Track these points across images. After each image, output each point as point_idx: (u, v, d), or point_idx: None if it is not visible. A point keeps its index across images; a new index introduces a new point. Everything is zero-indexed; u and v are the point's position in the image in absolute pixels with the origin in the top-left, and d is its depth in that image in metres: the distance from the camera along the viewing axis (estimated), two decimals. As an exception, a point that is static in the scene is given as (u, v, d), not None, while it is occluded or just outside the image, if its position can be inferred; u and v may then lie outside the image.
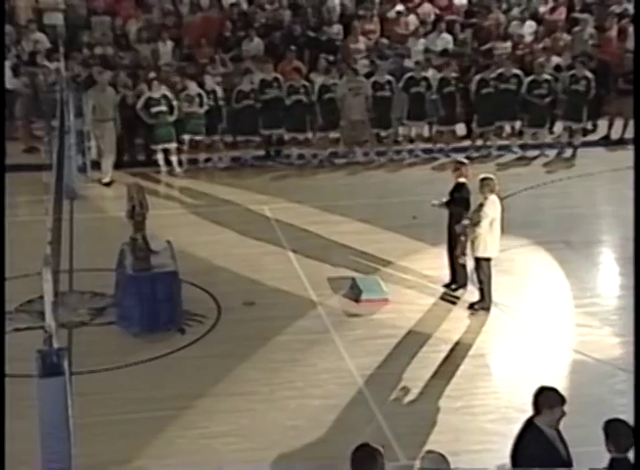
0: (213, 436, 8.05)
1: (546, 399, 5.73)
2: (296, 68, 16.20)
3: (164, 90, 15.02)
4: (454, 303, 10.63)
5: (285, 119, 15.62)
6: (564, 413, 5.73)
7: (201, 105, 15.06)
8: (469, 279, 10.80)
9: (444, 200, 10.68)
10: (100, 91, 14.62)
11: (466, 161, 11.07)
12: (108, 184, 14.42)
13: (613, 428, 5.52)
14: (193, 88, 15.11)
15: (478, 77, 15.90)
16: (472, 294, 10.60)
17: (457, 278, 10.82)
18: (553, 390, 5.79)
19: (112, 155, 14.71)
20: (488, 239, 10.02)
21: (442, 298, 10.75)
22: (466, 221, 10.21)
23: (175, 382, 8.93)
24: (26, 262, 9.39)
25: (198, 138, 15.30)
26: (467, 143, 16.32)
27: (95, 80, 15.08)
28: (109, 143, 14.68)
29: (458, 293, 10.77)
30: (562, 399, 5.72)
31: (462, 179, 10.59)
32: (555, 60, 16.77)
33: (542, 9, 19.63)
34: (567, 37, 18.26)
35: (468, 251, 10.31)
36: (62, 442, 6.05)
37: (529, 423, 5.79)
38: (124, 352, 9.48)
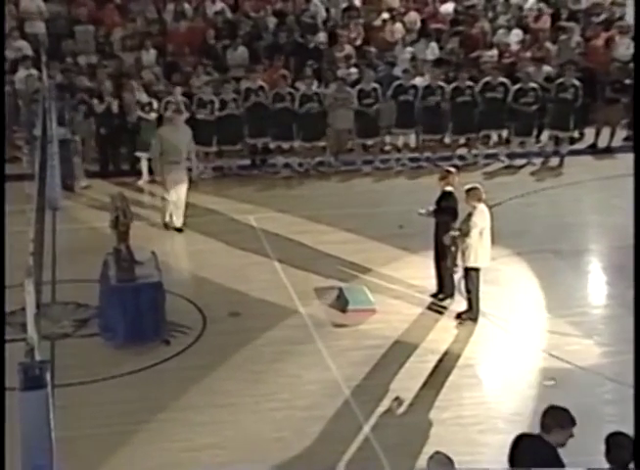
0: (198, 448, 8.01)
1: (556, 418, 5.68)
2: (282, 75, 16.23)
3: (152, 99, 15.08)
4: (441, 313, 10.64)
5: (270, 128, 15.65)
6: (572, 435, 5.71)
7: (150, 111, 15.00)
8: (456, 289, 10.82)
9: (431, 208, 10.70)
10: (174, 131, 12.90)
11: (453, 169, 11.10)
12: (180, 230, 13.00)
13: (615, 441, 5.51)
14: (144, 97, 15.08)
15: (451, 86, 15.97)
16: (459, 304, 10.62)
17: (444, 288, 10.84)
18: (565, 410, 5.76)
19: (183, 205, 13.05)
20: (479, 249, 10.03)
21: (430, 308, 10.75)
22: (455, 232, 10.23)
23: (159, 394, 8.90)
24: (8, 273, 9.33)
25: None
26: (454, 152, 16.37)
27: (70, 88, 15.09)
28: (182, 190, 12.95)
29: (445, 303, 10.79)
30: (573, 421, 5.70)
31: (449, 188, 10.61)
32: (545, 69, 16.84)
33: (528, 17, 19.77)
34: (551, 46, 18.36)
35: (459, 261, 10.33)
36: (44, 456, 6.02)
37: (538, 438, 5.72)
38: (108, 363, 9.43)
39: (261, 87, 15.60)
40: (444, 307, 10.72)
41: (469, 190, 10.09)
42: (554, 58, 17.78)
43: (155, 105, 15.06)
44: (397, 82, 16.03)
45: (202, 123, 15.14)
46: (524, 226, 13.14)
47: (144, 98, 15.01)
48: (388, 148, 16.66)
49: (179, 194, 12.96)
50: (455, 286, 10.81)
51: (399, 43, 18.30)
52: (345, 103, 15.59)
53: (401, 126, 16.17)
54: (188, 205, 13.23)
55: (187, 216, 13.24)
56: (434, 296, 10.91)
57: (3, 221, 10.68)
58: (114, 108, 15.19)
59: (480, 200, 10.04)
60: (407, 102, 15.88)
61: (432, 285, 10.95)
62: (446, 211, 10.50)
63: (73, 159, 14.87)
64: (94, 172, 15.33)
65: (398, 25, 18.94)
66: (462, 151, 16.36)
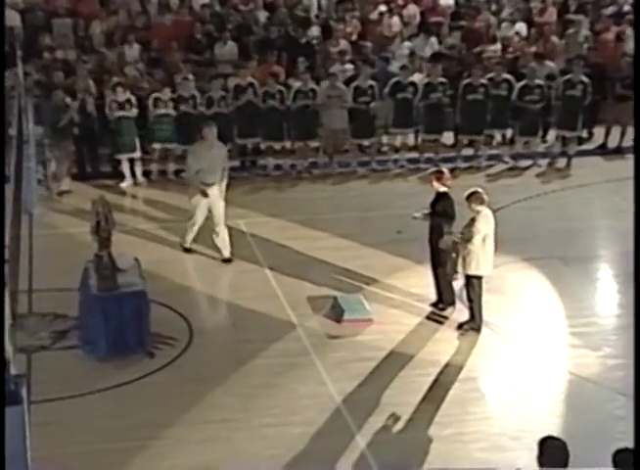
0: (186, 468, 8.00)
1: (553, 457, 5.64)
2: (273, 73, 16.27)
3: (129, 95, 15.13)
4: (442, 323, 10.65)
5: (261, 127, 15.67)
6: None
7: (130, 108, 15.07)
8: (457, 296, 10.84)
9: (426, 212, 10.68)
10: (207, 149, 12.21)
11: (444, 169, 11.07)
12: (228, 260, 12.30)
13: (621, 458, 5.52)
14: (121, 95, 15.11)
15: (464, 82, 15.99)
16: (461, 313, 10.65)
17: (443, 296, 10.85)
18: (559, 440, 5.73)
19: (225, 227, 12.35)
20: (481, 256, 10.04)
21: (429, 317, 10.77)
22: (455, 237, 10.24)
23: (144, 410, 8.89)
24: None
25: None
26: (455, 152, 16.41)
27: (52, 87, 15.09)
28: (222, 213, 12.31)
29: (446, 312, 10.81)
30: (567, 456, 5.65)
31: (443, 189, 10.61)
32: (549, 64, 16.88)
33: (533, 10, 19.86)
34: (557, 41, 18.42)
35: (459, 268, 10.34)
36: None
37: None
38: (88, 377, 9.43)
39: (251, 84, 15.63)
40: (445, 317, 10.74)
41: (469, 195, 10.01)
42: (561, 53, 17.83)
43: (133, 100, 15.09)
44: (395, 79, 16.06)
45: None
46: (529, 231, 13.18)
47: (121, 96, 15.01)
48: (385, 148, 16.71)
49: (218, 211, 12.27)
50: (455, 293, 10.83)
51: (397, 38, 18.37)
52: (338, 101, 15.62)
53: (399, 126, 16.22)
54: (173, 208, 13.20)
55: (175, 222, 13.27)
56: (434, 305, 10.93)
57: (3, 223, 10.69)
58: (90, 106, 15.21)
59: (482, 202, 10.01)
60: (405, 100, 15.93)
61: (431, 293, 10.97)
62: (441, 213, 10.49)
63: (53, 160, 14.90)
64: (72, 175, 15.33)
65: (396, 19, 19.01)
66: (466, 151, 16.39)
